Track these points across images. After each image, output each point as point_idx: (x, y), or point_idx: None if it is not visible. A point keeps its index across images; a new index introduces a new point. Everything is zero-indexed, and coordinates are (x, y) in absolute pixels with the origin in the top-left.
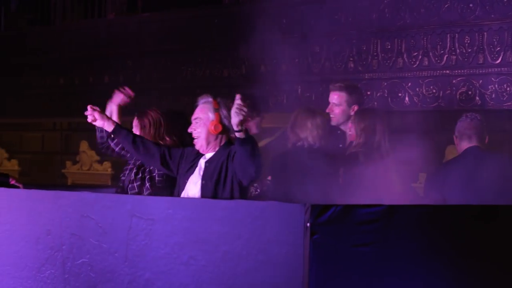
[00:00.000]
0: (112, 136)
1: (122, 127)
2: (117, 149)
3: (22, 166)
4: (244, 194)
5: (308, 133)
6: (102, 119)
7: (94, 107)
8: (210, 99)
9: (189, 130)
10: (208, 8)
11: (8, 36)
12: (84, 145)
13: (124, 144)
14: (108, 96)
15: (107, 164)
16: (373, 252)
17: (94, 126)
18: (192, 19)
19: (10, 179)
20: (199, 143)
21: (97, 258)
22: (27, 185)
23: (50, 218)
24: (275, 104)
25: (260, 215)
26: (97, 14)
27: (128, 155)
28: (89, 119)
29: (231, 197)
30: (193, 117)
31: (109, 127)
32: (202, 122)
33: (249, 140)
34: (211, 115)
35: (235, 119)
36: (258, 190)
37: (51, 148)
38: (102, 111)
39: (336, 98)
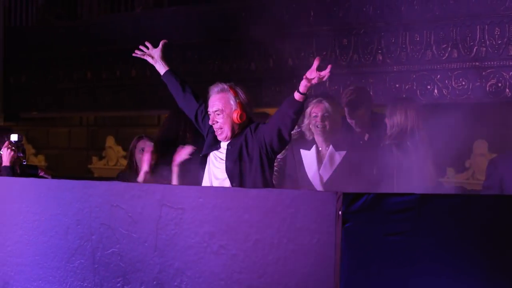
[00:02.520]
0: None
1: (173, 73)
2: None
3: (48, 162)
4: (271, 164)
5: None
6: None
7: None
8: (226, 86)
9: (210, 123)
10: (235, 2)
11: (36, 30)
12: (110, 141)
13: (171, 88)
14: (135, 90)
15: None
16: (405, 241)
17: (120, 122)
18: (219, 13)
19: (39, 171)
20: (224, 135)
21: (126, 247)
22: (56, 177)
23: (80, 208)
24: None
25: (291, 204)
26: (123, 9)
27: None
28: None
29: (262, 169)
30: (213, 109)
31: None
32: (224, 113)
33: (301, 108)
34: (234, 104)
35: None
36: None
37: (78, 143)
38: (130, 104)
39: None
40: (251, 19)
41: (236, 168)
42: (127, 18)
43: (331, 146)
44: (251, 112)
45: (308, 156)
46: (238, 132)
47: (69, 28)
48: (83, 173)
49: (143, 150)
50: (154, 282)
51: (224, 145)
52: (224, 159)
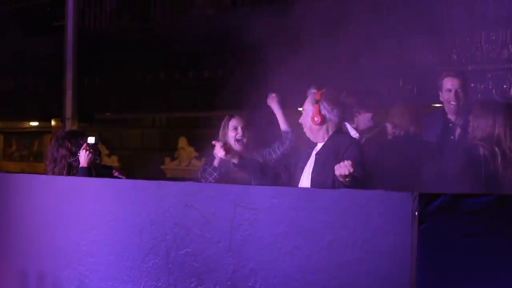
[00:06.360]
0: (236, 167)
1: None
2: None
3: (121, 163)
4: None
5: (402, 120)
6: (229, 153)
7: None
8: (314, 91)
9: (299, 121)
10: (308, 3)
11: (109, 32)
12: (182, 142)
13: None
14: (208, 91)
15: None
16: (481, 242)
17: (192, 123)
18: (292, 14)
19: (113, 171)
20: (306, 133)
21: (200, 248)
22: (129, 178)
23: (154, 208)
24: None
25: (366, 204)
26: (195, 10)
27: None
28: (220, 154)
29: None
30: (302, 108)
31: (235, 160)
32: (305, 114)
33: None
34: (311, 107)
35: None
36: None
37: (150, 144)
38: (203, 105)
39: (456, 83)
40: (321, 19)
41: (319, 182)
42: (200, 19)
43: None
44: (339, 117)
45: None
46: (322, 135)
47: (142, 29)
48: (156, 174)
49: (235, 128)
50: (228, 283)
51: (313, 154)
52: (312, 167)
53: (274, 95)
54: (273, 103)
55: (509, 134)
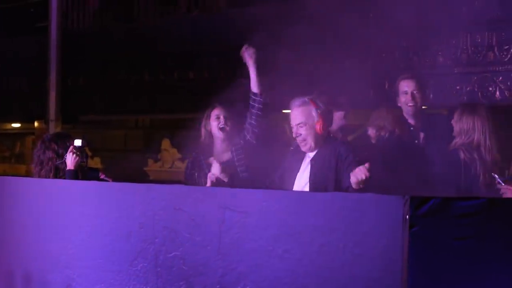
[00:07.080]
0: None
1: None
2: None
3: (104, 164)
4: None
5: (386, 122)
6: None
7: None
8: (307, 99)
9: (294, 136)
10: (293, 4)
11: (92, 33)
12: (166, 143)
13: None
14: (193, 92)
15: None
16: (472, 245)
17: (175, 124)
18: (278, 15)
19: (100, 173)
20: (308, 146)
21: (189, 251)
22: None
23: (143, 211)
24: (363, 100)
25: (357, 208)
26: (179, 10)
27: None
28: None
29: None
30: (295, 122)
31: (225, 178)
32: (308, 125)
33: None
34: (315, 116)
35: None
36: None
37: (134, 146)
38: (188, 106)
39: (412, 85)
40: (310, 19)
41: (321, 183)
42: (185, 20)
43: None
44: (331, 122)
45: None
46: (319, 143)
47: (126, 30)
48: (139, 176)
49: (218, 117)
50: (217, 286)
51: (307, 160)
52: (309, 174)
53: (248, 46)
54: (248, 57)
55: (489, 138)
